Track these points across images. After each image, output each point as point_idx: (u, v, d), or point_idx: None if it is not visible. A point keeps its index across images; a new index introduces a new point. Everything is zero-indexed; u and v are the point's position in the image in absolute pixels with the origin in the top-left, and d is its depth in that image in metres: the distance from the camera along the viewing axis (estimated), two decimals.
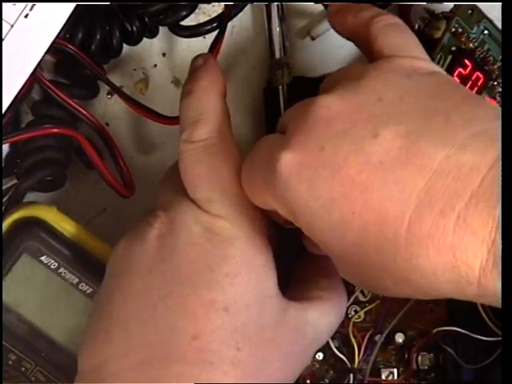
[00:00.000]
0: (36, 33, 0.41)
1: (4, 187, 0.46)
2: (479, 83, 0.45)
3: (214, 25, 0.46)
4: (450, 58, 0.45)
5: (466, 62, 0.45)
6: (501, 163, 0.33)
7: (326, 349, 0.46)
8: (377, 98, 0.36)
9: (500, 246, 0.32)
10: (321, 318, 0.42)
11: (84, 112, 0.45)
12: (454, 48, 0.45)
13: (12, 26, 0.40)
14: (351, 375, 0.46)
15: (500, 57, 0.46)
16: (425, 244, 0.33)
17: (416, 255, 0.34)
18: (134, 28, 0.46)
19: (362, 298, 0.46)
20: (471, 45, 0.46)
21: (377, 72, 0.38)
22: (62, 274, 0.44)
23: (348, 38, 0.43)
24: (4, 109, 0.41)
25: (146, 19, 0.46)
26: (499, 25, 0.46)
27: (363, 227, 0.35)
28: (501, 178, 0.33)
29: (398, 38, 0.40)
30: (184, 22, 0.46)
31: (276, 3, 0.47)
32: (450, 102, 0.36)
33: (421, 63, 0.38)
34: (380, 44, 0.39)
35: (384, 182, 0.34)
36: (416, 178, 0.34)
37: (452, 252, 0.33)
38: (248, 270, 0.39)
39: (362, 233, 0.35)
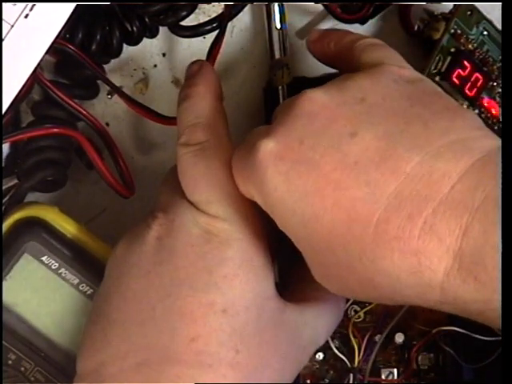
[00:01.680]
0: (36, 33, 0.41)
1: (4, 187, 0.46)
2: (478, 84, 0.45)
3: (214, 25, 0.46)
4: (449, 59, 0.45)
5: (465, 63, 0.45)
6: (472, 174, 0.34)
7: (326, 349, 0.46)
8: (360, 97, 0.37)
9: (473, 252, 0.33)
10: (318, 319, 0.42)
11: (84, 112, 0.46)
12: (453, 49, 0.45)
13: (12, 26, 0.41)
14: (351, 375, 0.46)
15: (499, 57, 0.46)
16: (390, 246, 0.34)
17: (381, 257, 0.34)
18: (134, 28, 0.46)
19: None
20: (470, 46, 0.46)
21: (365, 74, 0.38)
22: (63, 275, 0.44)
23: (328, 64, 0.44)
24: (4, 109, 0.41)
25: (146, 19, 0.47)
26: (499, 25, 0.46)
27: (332, 224, 0.35)
28: (473, 188, 0.33)
29: (381, 52, 0.40)
30: (184, 22, 0.46)
31: (276, 3, 0.47)
32: (432, 109, 0.36)
33: (407, 71, 0.39)
34: (365, 58, 0.40)
35: (356, 182, 0.35)
36: (388, 180, 0.34)
37: (416, 257, 0.34)
38: (246, 271, 0.39)
39: (331, 230, 0.35)
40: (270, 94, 0.47)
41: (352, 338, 0.46)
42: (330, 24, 0.48)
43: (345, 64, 0.41)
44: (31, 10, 0.41)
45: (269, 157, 0.37)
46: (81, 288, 0.45)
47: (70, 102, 0.45)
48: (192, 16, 0.46)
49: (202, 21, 0.47)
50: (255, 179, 0.38)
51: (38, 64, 0.41)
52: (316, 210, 0.36)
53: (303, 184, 0.36)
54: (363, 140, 0.35)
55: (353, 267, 0.36)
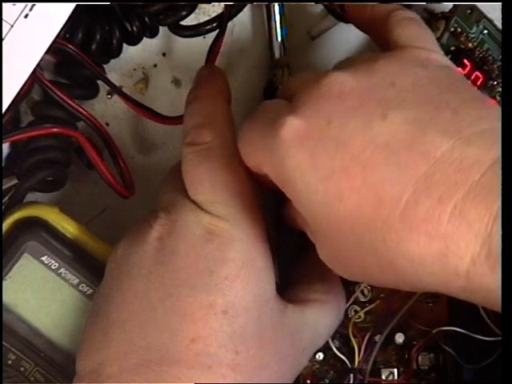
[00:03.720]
0: (36, 33, 0.41)
1: (4, 187, 0.46)
2: (478, 83, 0.45)
3: (214, 25, 0.46)
4: (449, 57, 0.45)
5: (465, 61, 0.45)
6: (501, 163, 0.33)
7: (326, 349, 0.46)
8: (390, 81, 0.36)
9: (498, 242, 0.32)
10: (319, 320, 0.42)
11: (84, 112, 0.45)
12: (453, 48, 0.45)
13: (12, 26, 0.40)
14: (351, 375, 0.46)
15: (499, 56, 0.46)
16: (417, 229, 0.33)
17: (407, 239, 0.34)
18: (134, 28, 0.46)
19: (362, 299, 0.46)
20: (470, 44, 0.46)
21: (392, 58, 0.38)
22: (63, 275, 0.44)
23: (362, 29, 0.43)
24: (4, 109, 0.41)
25: (146, 19, 0.47)
26: (499, 25, 0.46)
27: (358, 204, 0.35)
28: (501, 177, 0.33)
29: (414, 31, 0.40)
30: (184, 22, 0.46)
31: (276, 3, 0.47)
32: (461, 97, 0.36)
33: (436, 56, 0.39)
34: (397, 35, 0.39)
35: (386, 163, 0.34)
36: (418, 163, 0.34)
37: (444, 241, 0.33)
38: (247, 272, 0.39)
39: (356, 210, 0.35)
40: (270, 93, 0.47)
41: (352, 338, 0.46)
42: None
43: (377, 32, 0.41)
44: (31, 9, 0.41)
45: (294, 134, 0.36)
46: (81, 288, 0.45)
47: (70, 102, 0.45)
48: (192, 16, 0.46)
49: (201, 21, 0.47)
50: (274, 156, 0.37)
51: (38, 64, 0.41)
52: (341, 190, 0.35)
53: (330, 162, 0.35)
54: (394, 123, 0.35)
55: (375, 249, 0.35)
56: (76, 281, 0.45)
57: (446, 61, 0.39)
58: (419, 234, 0.33)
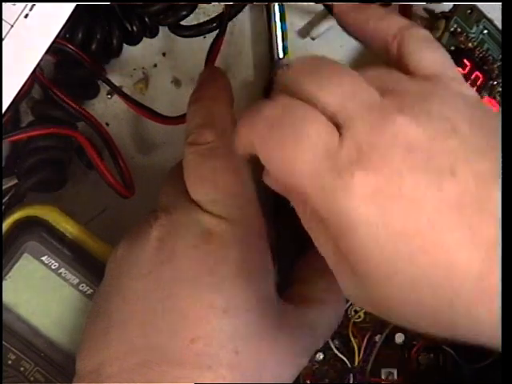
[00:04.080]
0: (36, 33, 0.41)
1: (4, 187, 0.46)
2: (478, 83, 0.45)
3: (214, 25, 0.46)
4: None
5: (465, 61, 0.45)
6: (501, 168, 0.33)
7: (326, 349, 0.46)
8: (451, 127, 0.34)
9: None
10: (319, 320, 0.42)
11: (84, 112, 0.46)
12: (453, 48, 0.45)
13: (12, 26, 0.40)
14: (351, 375, 0.46)
15: (499, 56, 0.46)
16: (490, 298, 0.32)
17: (478, 306, 0.32)
18: (134, 28, 0.46)
19: None
20: (470, 44, 0.46)
21: (443, 95, 0.36)
22: (63, 275, 0.44)
23: (360, 41, 0.41)
24: (4, 109, 0.41)
25: (146, 19, 0.47)
26: (499, 25, 0.46)
27: (430, 267, 0.33)
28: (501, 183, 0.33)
29: (435, 55, 0.38)
30: (184, 22, 0.46)
31: (276, 3, 0.47)
32: (498, 140, 0.34)
33: (467, 90, 0.37)
34: (418, 61, 0.37)
35: (459, 225, 0.33)
36: (488, 225, 0.32)
37: None
38: (247, 272, 0.39)
39: (427, 272, 0.33)
40: (270, 93, 0.47)
41: (352, 338, 0.46)
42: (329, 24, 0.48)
43: (381, 47, 0.39)
44: (31, 9, 0.41)
45: (366, 187, 0.33)
46: (81, 288, 0.45)
47: (70, 102, 0.45)
48: (192, 16, 0.46)
49: (201, 21, 0.47)
50: (336, 200, 0.34)
51: (38, 64, 0.41)
52: (413, 250, 0.33)
53: (402, 222, 0.33)
54: (463, 180, 0.33)
55: (436, 306, 0.33)
56: (76, 281, 0.45)
57: (474, 92, 0.38)
58: (491, 302, 0.32)
